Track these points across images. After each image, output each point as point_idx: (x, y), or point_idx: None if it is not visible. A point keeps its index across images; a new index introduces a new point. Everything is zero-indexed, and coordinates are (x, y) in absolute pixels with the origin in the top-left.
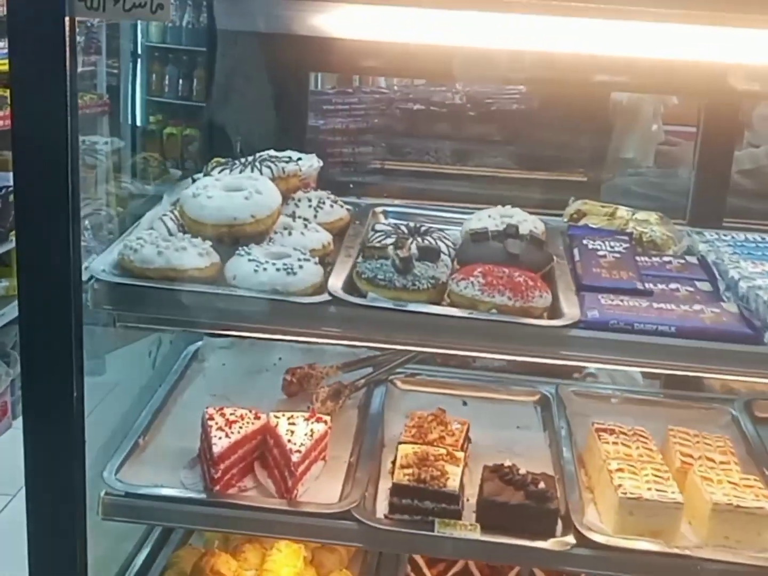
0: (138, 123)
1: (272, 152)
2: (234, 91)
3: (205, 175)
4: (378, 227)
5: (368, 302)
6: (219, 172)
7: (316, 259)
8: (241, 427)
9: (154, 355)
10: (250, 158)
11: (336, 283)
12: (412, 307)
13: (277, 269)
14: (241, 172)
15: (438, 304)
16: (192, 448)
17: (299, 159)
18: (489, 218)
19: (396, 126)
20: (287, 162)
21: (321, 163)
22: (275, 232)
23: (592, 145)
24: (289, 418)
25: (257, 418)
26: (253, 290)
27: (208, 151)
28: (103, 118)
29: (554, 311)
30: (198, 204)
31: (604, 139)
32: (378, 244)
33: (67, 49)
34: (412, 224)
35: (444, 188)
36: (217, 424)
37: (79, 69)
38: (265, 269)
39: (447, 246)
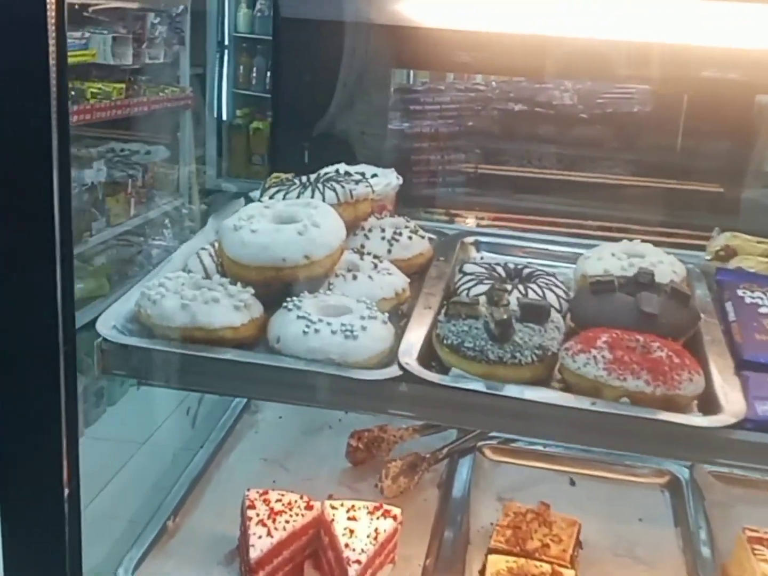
0: (224, 117)
1: (343, 166)
2: (303, 89)
3: (261, 194)
4: (467, 268)
5: (451, 382)
6: (271, 196)
7: (385, 316)
8: (287, 521)
9: (195, 411)
10: (312, 177)
11: (410, 347)
12: (510, 390)
13: (333, 331)
14: (299, 195)
15: (545, 383)
16: (233, 534)
17: (374, 176)
18: (612, 257)
19: (494, 129)
20: (357, 182)
21: (400, 181)
22: (336, 275)
23: (730, 156)
24: (349, 510)
25: (309, 507)
26: (302, 358)
27: (275, 158)
28: (186, 111)
29: (706, 400)
30: (239, 240)
31: (745, 148)
32: (467, 299)
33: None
34: (511, 265)
35: (550, 204)
36: (258, 515)
37: (161, 60)
38: (317, 330)
39: (558, 297)
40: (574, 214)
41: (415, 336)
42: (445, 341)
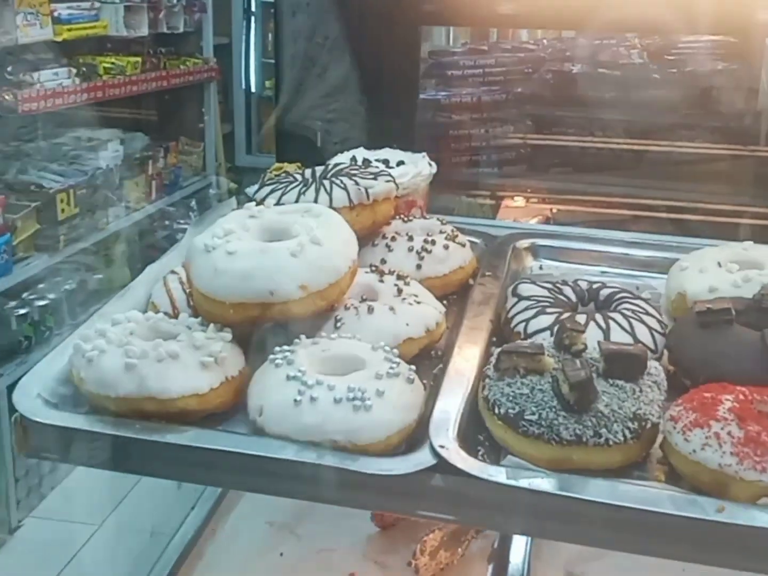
0: (252, 89)
1: (361, 152)
2: (311, 57)
3: (257, 190)
4: (523, 289)
5: (508, 480)
6: (262, 199)
7: (412, 371)
8: None
9: None
10: (319, 169)
11: (447, 417)
12: (592, 491)
13: (337, 399)
14: (299, 196)
15: (641, 466)
16: None
17: (400, 163)
18: (718, 269)
19: (547, 95)
20: (376, 175)
21: (434, 169)
22: (346, 308)
23: None
24: None
25: None
26: (292, 439)
27: (281, 143)
28: (211, 84)
29: None
30: (211, 266)
31: None
32: (526, 346)
33: None
34: (583, 283)
35: (619, 185)
36: None
37: (180, 30)
38: (313, 398)
39: (651, 331)
40: (648, 195)
41: (453, 397)
42: (496, 410)
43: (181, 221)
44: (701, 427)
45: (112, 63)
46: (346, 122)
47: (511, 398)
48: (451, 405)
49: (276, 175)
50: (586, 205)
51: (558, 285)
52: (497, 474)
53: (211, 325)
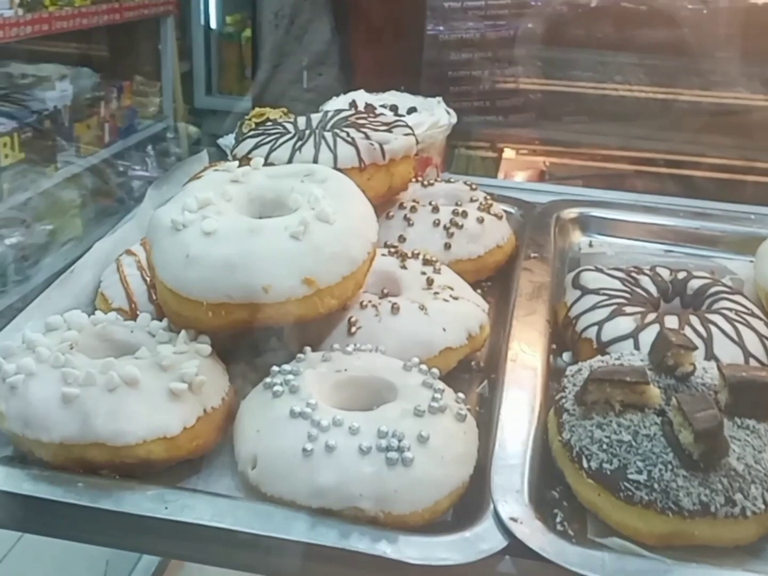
0: (212, 25)
1: (361, 95)
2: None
3: (232, 149)
4: (587, 279)
5: (610, 569)
6: (245, 155)
7: (461, 404)
8: None
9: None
10: (315, 117)
11: (511, 468)
12: None
13: (364, 449)
14: (293, 153)
15: None
16: None
17: (411, 111)
18: None
19: (561, 32)
20: (390, 126)
21: (453, 118)
22: (362, 306)
23: None
24: None
25: None
26: (299, 503)
27: (261, 85)
28: (167, 19)
29: None
30: (181, 251)
31: None
32: (625, 372)
33: None
34: (663, 272)
35: (642, 137)
36: None
37: None
38: (330, 447)
39: (761, 338)
40: (677, 149)
41: (516, 437)
42: (585, 462)
43: (137, 168)
44: None
45: None
46: (339, 59)
47: (605, 447)
48: (515, 449)
49: (257, 124)
50: (603, 160)
51: (632, 274)
52: (598, 564)
53: (182, 332)
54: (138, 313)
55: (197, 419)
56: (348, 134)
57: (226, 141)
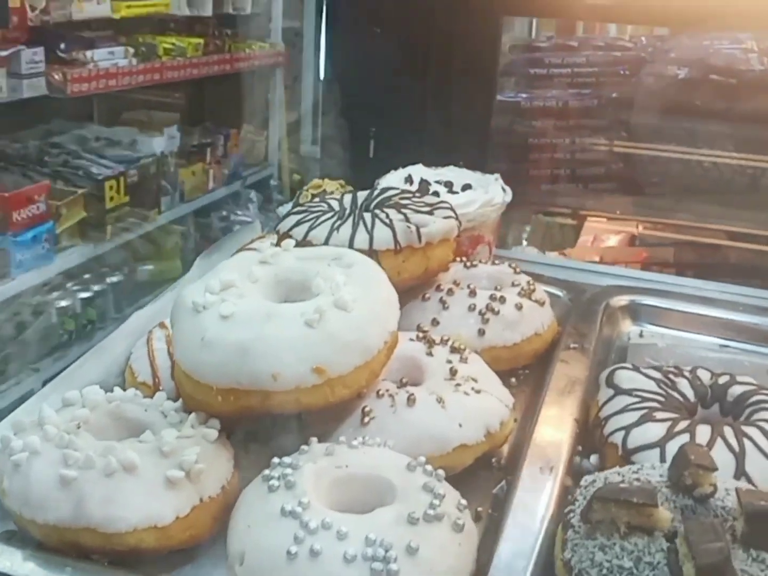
0: (321, 76)
1: (419, 170)
2: (364, 48)
3: (283, 218)
4: (621, 379)
5: None
6: (284, 233)
7: (460, 512)
8: None
9: None
10: (362, 195)
11: None
12: None
13: (348, 557)
14: (331, 232)
15: None
16: None
17: (466, 188)
18: None
19: (646, 102)
20: (432, 207)
21: (508, 196)
22: (379, 395)
23: None
24: None
25: None
26: None
27: (325, 154)
28: (277, 70)
29: None
30: (197, 334)
31: None
32: (633, 492)
33: None
34: (704, 375)
35: (731, 209)
36: None
37: (248, 11)
38: (314, 552)
39: None
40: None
41: (518, 552)
42: None
43: (239, 213)
44: None
45: (173, 44)
46: (406, 133)
47: (605, 572)
48: (516, 563)
49: (313, 196)
50: (683, 233)
51: (670, 376)
52: None
53: (192, 415)
54: (160, 389)
55: (192, 508)
56: (387, 215)
57: (284, 210)
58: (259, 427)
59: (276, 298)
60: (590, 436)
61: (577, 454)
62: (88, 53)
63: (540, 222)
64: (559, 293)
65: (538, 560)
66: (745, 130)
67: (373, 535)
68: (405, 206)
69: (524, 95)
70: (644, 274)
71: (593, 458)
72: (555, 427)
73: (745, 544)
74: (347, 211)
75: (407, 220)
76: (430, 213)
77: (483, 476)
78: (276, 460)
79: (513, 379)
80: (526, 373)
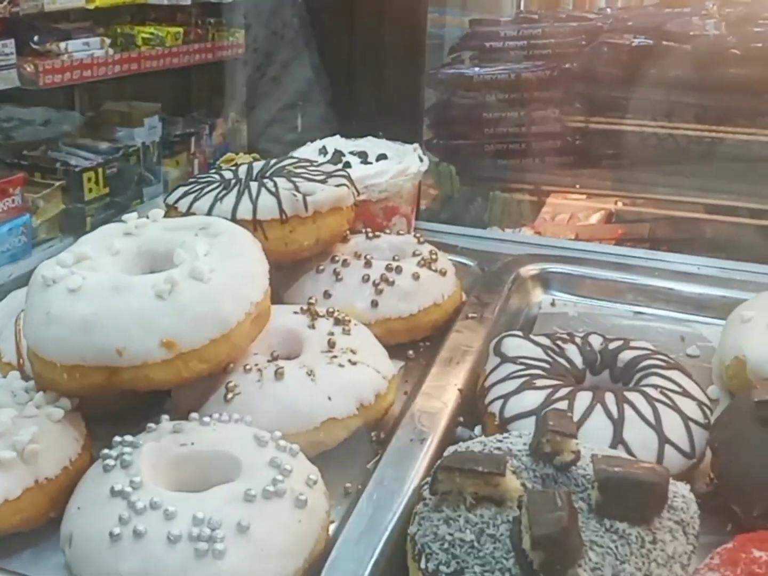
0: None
1: (336, 141)
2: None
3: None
4: (507, 347)
5: None
6: (174, 203)
7: (307, 487)
8: None
9: None
10: (258, 166)
11: (350, 566)
12: None
13: (172, 537)
14: (216, 201)
15: None
16: None
17: (380, 158)
18: None
19: (604, 72)
20: (326, 177)
21: (425, 165)
22: (246, 369)
23: None
24: None
25: None
26: None
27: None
28: None
29: None
30: (43, 309)
31: None
32: (478, 461)
33: None
34: (595, 341)
35: (686, 180)
36: None
37: None
38: (138, 533)
39: (686, 422)
40: (722, 193)
41: (370, 531)
42: (423, 562)
43: None
44: None
45: (151, 33)
46: (333, 104)
47: (446, 546)
48: (368, 539)
49: (223, 169)
50: (642, 205)
51: (559, 342)
52: None
53: (39, 394)
54: (24, 369)
55: (24, 491)
56: (275, 184)
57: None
58: (123, 405)
59: (138, 270)
60: (476, 408)
61: (459, 425)
62: (62, 44)
63: (498, 198)
64: (470, 263)
65: (392, 536)
66: (702, 99)
67: (201, 514)
68: (297, 175)
69: (477, 69)
70: (567, 243)
71: (477, 429)
72: (436, 398)
73: (599, 514)
74: (233, 182)
75: (296, 188)
76: (324, 181)
77: (361, 452)
78: (117, 438)
79: (411, 352)
80: (426, 345)
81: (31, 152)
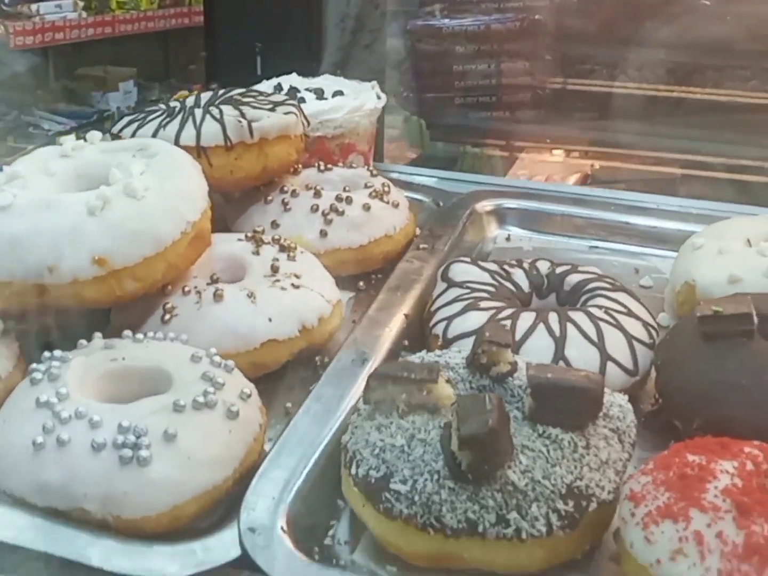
0: None
1: (293, 78)
2: None
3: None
4: (454, 273)
5: None
6: (118, 131)
7: (239, 399)
8: None
9: None
10: (206, 96)
11: (280, 473)
12: None
13: (96, 445)
14: (159, 128)
15: (581, 569)
16: None
17: (336, 94)
18: (748, 250)
19: (573, 26)
20: (274, 106)
21: (382, 101)
22: (185, 292)
23: None
24: None
25: None
26: (27, 500)
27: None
28: None
29: None
30: None
31: None
32: (408, 368)
33: None
34: (543, 265)
35: (651, 135)
36: None
37: None
38: (61, 441)
39: (629, 340)
40: (686, 149)
41: (304, 443)
42: (353, 468)
43: None
44: (674, 521)
45: None
46: (294, 44)
47: (377, 451)
48: (299, 452)
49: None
50: (617, 160)
51: (506, 267)
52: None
53: None
54: None
55: None
56: (220, 111)
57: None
58: (58, 324)
59: (76, 191)
60: (423, 334)
61: (403, 349)
62: (34, 6)
63: (468, 153)
64: (425, 199)
65: (327, 449)
66: (674, 54)
67: (127, 423)
68: (245, 103)
69: (446, 20)
70: (520, 182)
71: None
72: (381, 324)
73: (532, 420)
74: (178, 109)
75: (241, 114)
76: (272, 110)
77: (306, 376)
78: (47, 354)
79: (361, 283)
80: (378, 277)
81: (4, 116)
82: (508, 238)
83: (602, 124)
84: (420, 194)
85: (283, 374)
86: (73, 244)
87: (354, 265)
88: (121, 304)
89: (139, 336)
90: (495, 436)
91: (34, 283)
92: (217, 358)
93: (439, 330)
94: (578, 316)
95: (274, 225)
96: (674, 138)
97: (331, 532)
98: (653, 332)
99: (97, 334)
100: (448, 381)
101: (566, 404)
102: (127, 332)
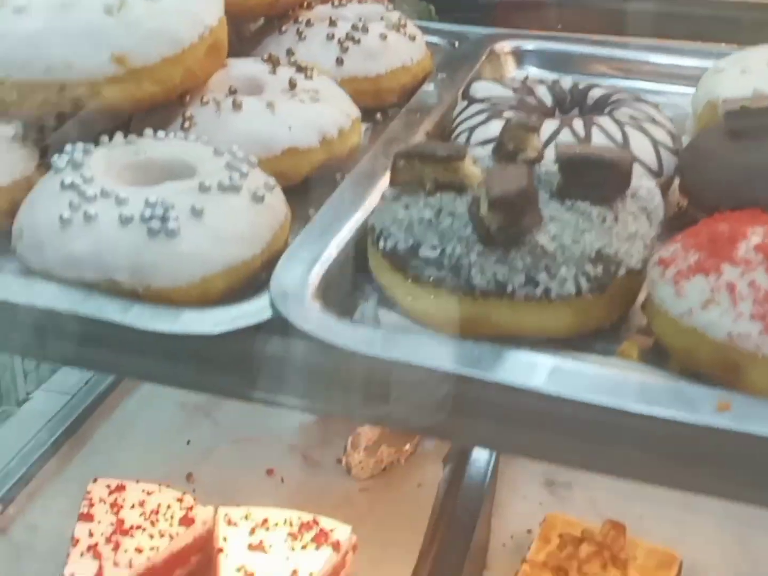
0: None
1: None
2: None
3: None
4: (478, 89)
5: (381, 351)
6: None
7: (265, 188)
8: (140, 550)
9: None
10: None
11: (313, 252)
12: (503, 369)
13: (124, 218)
14: None
15: (607, 338)
16: None
17: None
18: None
19: None
20: None
21: None
22: (203, 102)
23: None
24: (255, 528)
25: (187, 521)
26: (54, 274)
27: None
28: None
29: None
30: None
31: None
32: (436, 147)
33: None
34: (565, 82)
35: None
36: (91, 536)
37: None
38: (89, 216)
39: (655, 145)
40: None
41: (331, 229)
42: (381, 243)
43: None
44: (705, 274)
45: None
46: None
47: (405, 226)
48: (325, 237)
49: None
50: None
51: (529, 84)
52: (366, 340)
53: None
54: None
55: None
56: None
57: None
58: (83, 130)
59: None
60: None
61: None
62: None
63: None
64: (442, 42)
65: (354, 234)
66: None
67: (154, 198)
68: None
69: None
70: (541, 33)
71: None
72: (401, 139)
73: (560, 196)
74: None
75: None
76: None
77: (327, 192)
78: (69, 146)
79: (378, 115)
80: (395, 110)
81: None
82: (526, 79)
83: None
84: (436, 36)
85: (304, 191)
86: (91, 41)
87: (370, 97)
88: (140, 111)
89: (160, 134)
90: (525, 197)
91: (54, 80)
92: (240, 153)
93: (461, 141)
94: (603, 120)
95: (290, 53)
96: None
97: (357, 314)
98: (676, 141)
99: (118, 132)
100: (474, 162)
101: (595, 177)
102: (149, 131)
